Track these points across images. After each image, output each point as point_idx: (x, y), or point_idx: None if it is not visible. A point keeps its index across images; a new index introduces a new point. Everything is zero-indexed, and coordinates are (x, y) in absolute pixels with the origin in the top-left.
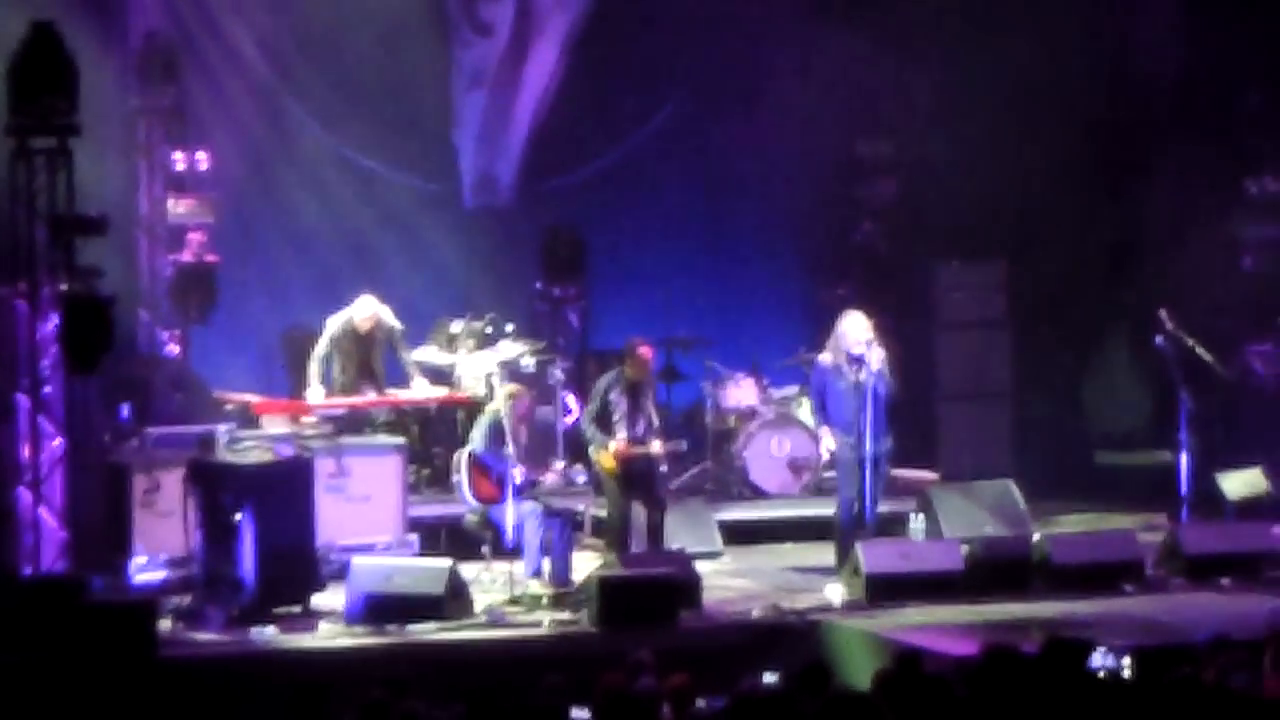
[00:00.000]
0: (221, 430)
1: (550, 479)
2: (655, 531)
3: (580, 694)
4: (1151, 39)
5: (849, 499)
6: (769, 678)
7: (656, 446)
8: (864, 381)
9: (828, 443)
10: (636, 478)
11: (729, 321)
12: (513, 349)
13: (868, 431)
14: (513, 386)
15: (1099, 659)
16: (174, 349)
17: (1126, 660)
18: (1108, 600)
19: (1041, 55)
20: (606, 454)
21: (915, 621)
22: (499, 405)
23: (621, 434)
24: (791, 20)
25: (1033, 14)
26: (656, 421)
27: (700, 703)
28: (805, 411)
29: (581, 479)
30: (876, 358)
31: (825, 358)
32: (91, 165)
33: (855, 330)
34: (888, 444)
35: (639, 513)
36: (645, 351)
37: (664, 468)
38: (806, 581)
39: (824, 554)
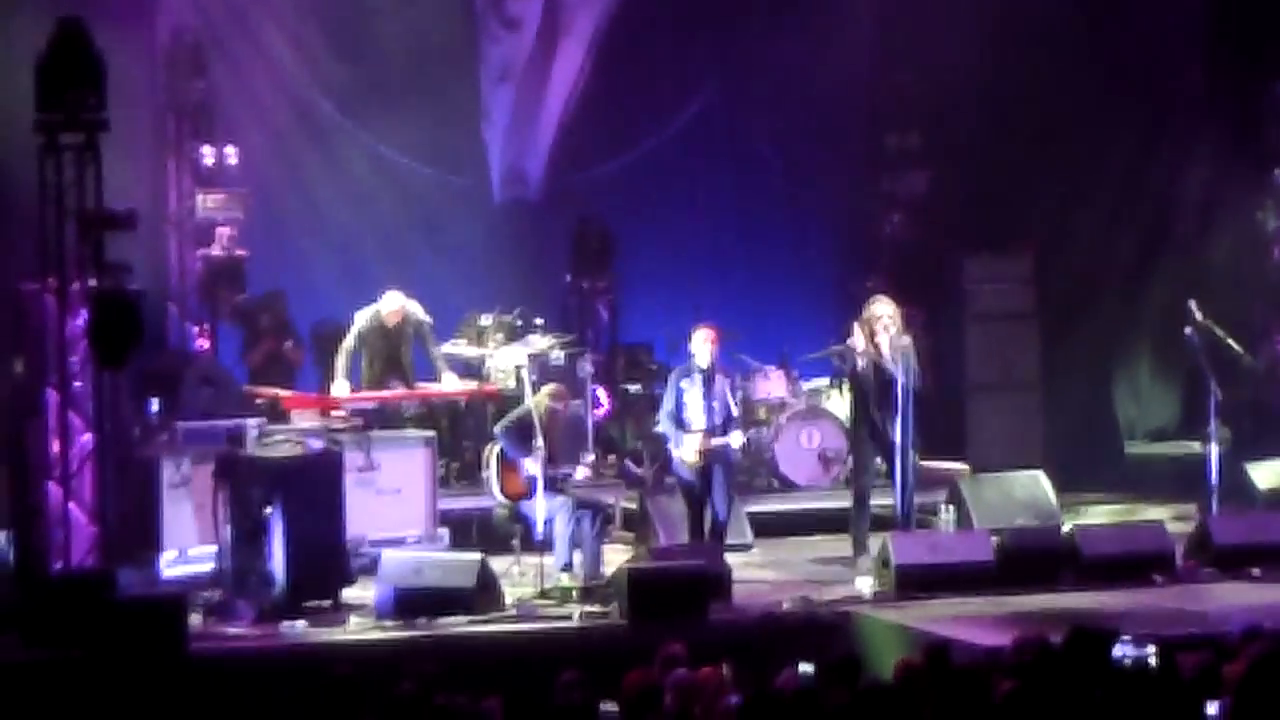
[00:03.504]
0: (251, 425)
1: (581, 473)
2: (716, 535)
3: (609, 687)
4: (1177, 31)
5: (863, 486)
6: (804, 667)
7: (738, 437)
8: (886, 367)
9: None
10: (712, 474)
11: (758, 314)
12: (542, 342)
13: (887, 418)
14: (555, 386)
15: (1126, 649)
16: (203, 343)
17: (1152, 650)
18: (1138, 591)
19: (1068, 48)
20: (687, 447)
21: (945, 613)
22: (534, 402)
23: (699, 426)
24: (818, 12)
25: (1059, 7)
26: (735, 410)
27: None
28: (835, 403)
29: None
30: (901, 344)
31: (850, 341)
32: (120, 161)
33: (882, 316)
34: (890, 433)
35: (670, 505)
36: (703, 332)
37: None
38: (836, 573)
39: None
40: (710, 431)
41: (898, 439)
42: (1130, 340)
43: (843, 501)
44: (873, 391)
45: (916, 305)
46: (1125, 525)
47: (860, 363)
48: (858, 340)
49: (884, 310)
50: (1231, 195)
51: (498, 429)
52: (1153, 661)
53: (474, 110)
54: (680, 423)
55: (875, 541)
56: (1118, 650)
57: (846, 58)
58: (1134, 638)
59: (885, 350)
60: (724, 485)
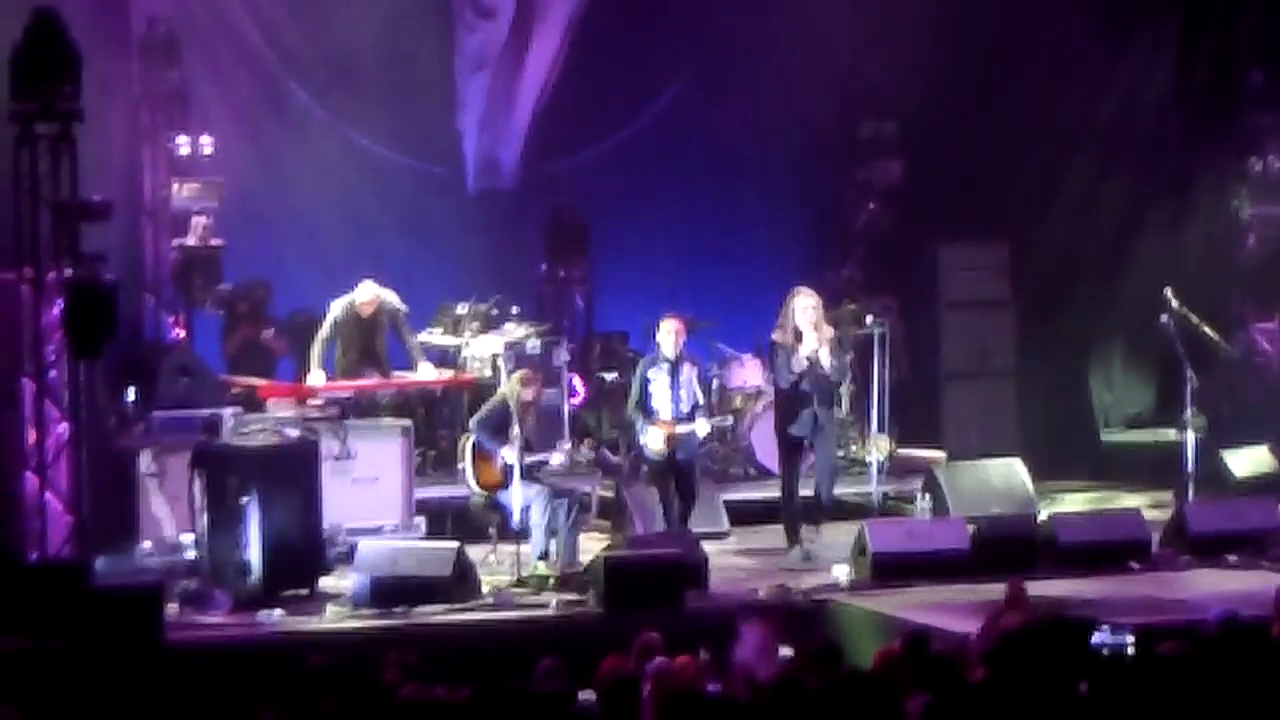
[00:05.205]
0: (227, 414)
1: (557, 460)
2: (683, 521)
3: (585, 676)
4: (1152, 19)
5: (788, 479)
6: (784, 651)
7: (703, 426)
8: (809, 361)
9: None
10: (679, 461)
11: (734, 302)
12: (518, 331)
13: (822, 410)
14: (524, 372)
15: (1104, 637)
16: (179, 333)
17: (1130, 638)
18: (1114, 579)
19: (1042, 36)
20: (653, 435)
21: (921, 600)
22: (508, 390)
23: (665, 415)
24: (793, 1)
25: None
26: (702, 399)
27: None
28: None
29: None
30: (827, 336)
31: (777, 335)
32: (95, 151)
33: (803, 309)
34: (826, 426)
35: (646, 493)
36: (669, 323)
37: (704, 446)
38: (812, 561)
39: (830, 533)
40: (676, 420)
41: (829, 429)
42: (1106, 328)
43: None
44: (807, 384)
45: (892, 294)
46: (1101, 513)
47: (793, 358)
48: (785, 335)
49: (804, 303)
50: (1207, 183)
51: (473, 422)
52: (1130, 650)
53: (449, 99)
54: (647, 411)
55: (836, 530)
56: (1095, 638)
57: (822, 46)
58: (1111, 626)
59: (812, 343)
60: (691, 472)
